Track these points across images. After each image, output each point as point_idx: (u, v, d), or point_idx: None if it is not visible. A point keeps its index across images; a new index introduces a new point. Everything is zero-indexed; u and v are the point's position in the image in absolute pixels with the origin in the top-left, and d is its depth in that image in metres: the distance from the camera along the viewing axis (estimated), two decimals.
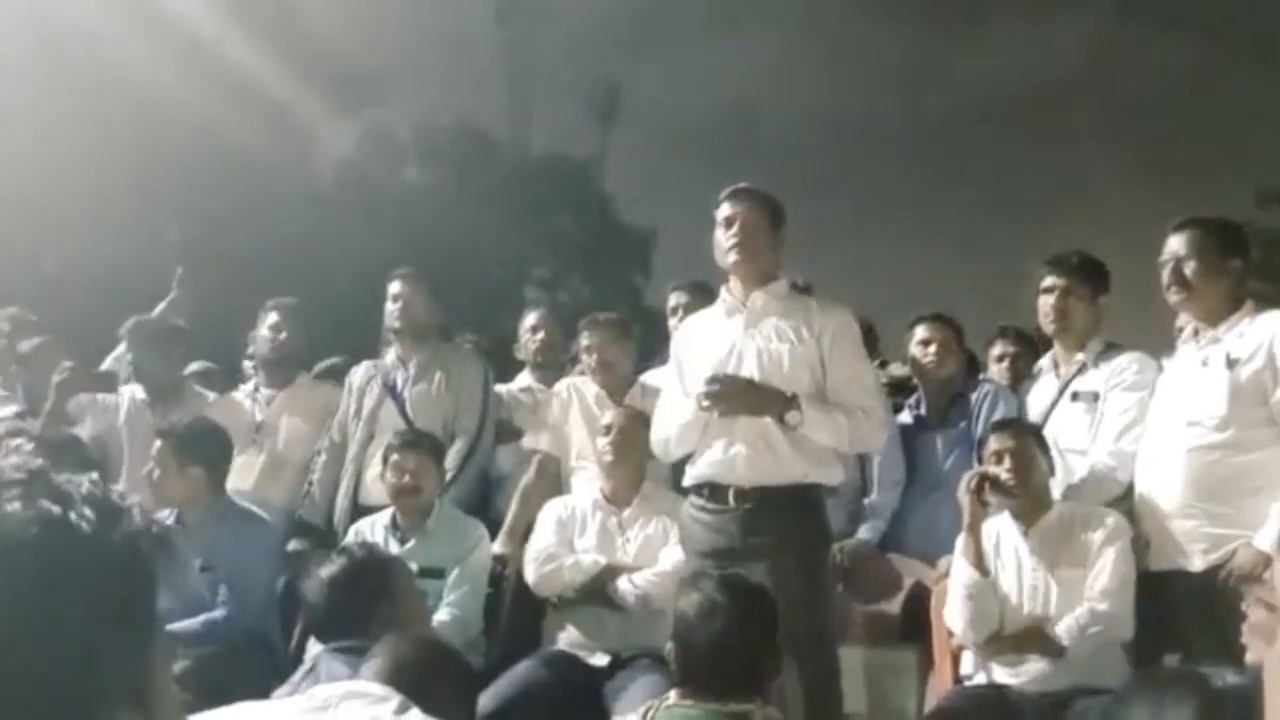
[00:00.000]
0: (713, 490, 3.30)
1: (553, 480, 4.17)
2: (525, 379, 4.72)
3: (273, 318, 4.69)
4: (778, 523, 3.20)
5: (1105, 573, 3.25)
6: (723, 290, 3.48)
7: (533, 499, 4.09)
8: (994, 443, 3.45)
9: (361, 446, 4.32)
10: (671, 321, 4.38)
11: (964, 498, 3.39)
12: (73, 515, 0.75)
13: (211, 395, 4.79)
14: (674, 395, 3.47)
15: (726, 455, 3.27)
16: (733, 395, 3.21)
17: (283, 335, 4.65)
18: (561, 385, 4.33)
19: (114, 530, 0.77)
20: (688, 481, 3.41)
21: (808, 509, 3.28)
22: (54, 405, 4.39)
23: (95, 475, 0.80)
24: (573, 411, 4.21)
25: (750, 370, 3.30)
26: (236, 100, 14.32)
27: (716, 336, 3.41)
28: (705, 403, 3.23)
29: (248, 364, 5.05)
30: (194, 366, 5.13)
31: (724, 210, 3.38)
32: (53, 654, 0.71)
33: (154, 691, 0.78)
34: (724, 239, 3.37)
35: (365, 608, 2.32)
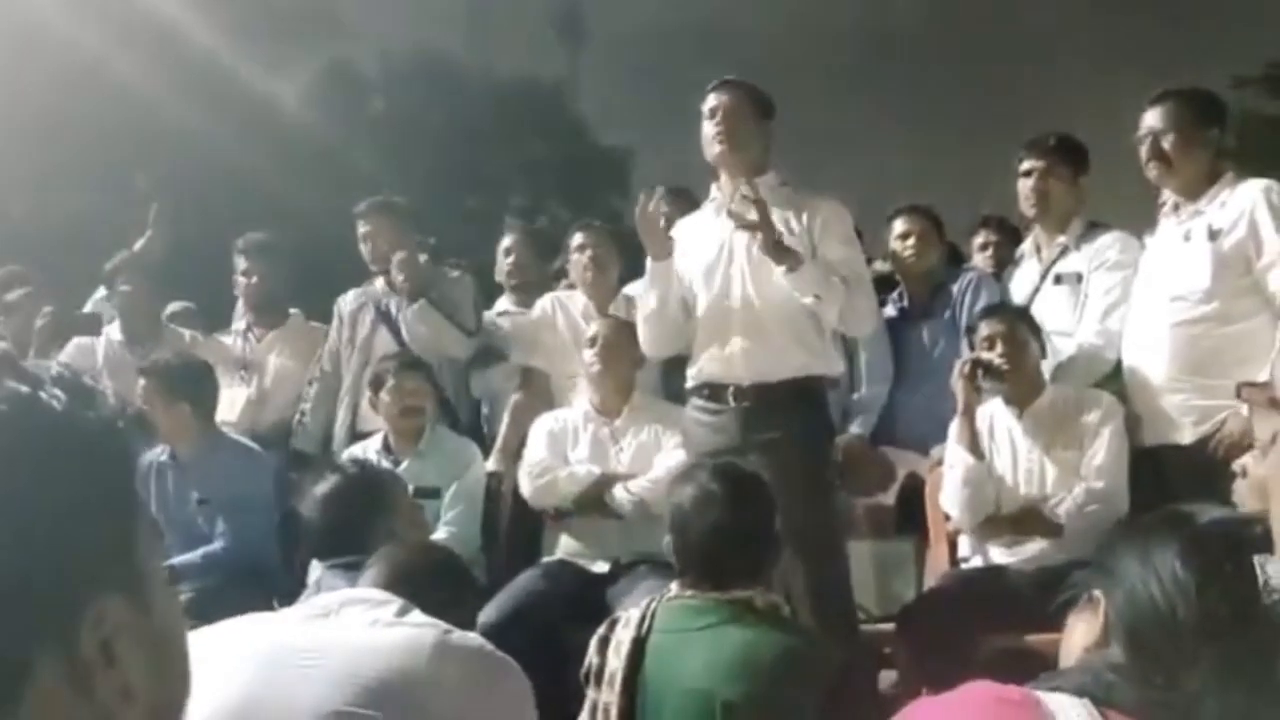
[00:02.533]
0: (712, 390, 3.30)
1: (541, 396, 4.16)
2: (504, 303, 4.71)
3: (241, 262, 4.66)
4: (779, 418, 3.20)
5: (1100, 451, 3.28)
6: (712, 188, 3.44)
7: (522, 415, 4.07)
8: (985, 328, 3.45)
9: (357, 374, 4.29)
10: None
11: (957, 384, 3.40)
12: (43, 394, 0.72)
13: (188, 334, 4.76)
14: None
15: (724, 354, 3.25)
16: (759, 209, 3.14)
17: (254, 280, 4.62)
18: (545, 300, 4.30)
19: (87, 409, 0.74)
20: (688, 384, 3.40)
21: (808, 402, 3.28)
22: (37, 350, 4.37)
23: (64, 359, 0.78)
24: (559, 326, 4.18)
25: (741, 266, 3.28)
26: (191, 39, 14.03)
27: (707, 237, 3.37)
28: (736, 206, 3.18)
29: (240, 306, 5.01)
30: (173, 307, 5.08)
31: (709, 101, 3.34)
32: (30, 534, 0.69)
33: (144, 572, 0.77)
34: (708, 129, 3.32)
35: (362, 522, 2.32)
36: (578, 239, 4.18)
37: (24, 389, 0.71)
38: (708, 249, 3.35)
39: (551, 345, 4.17)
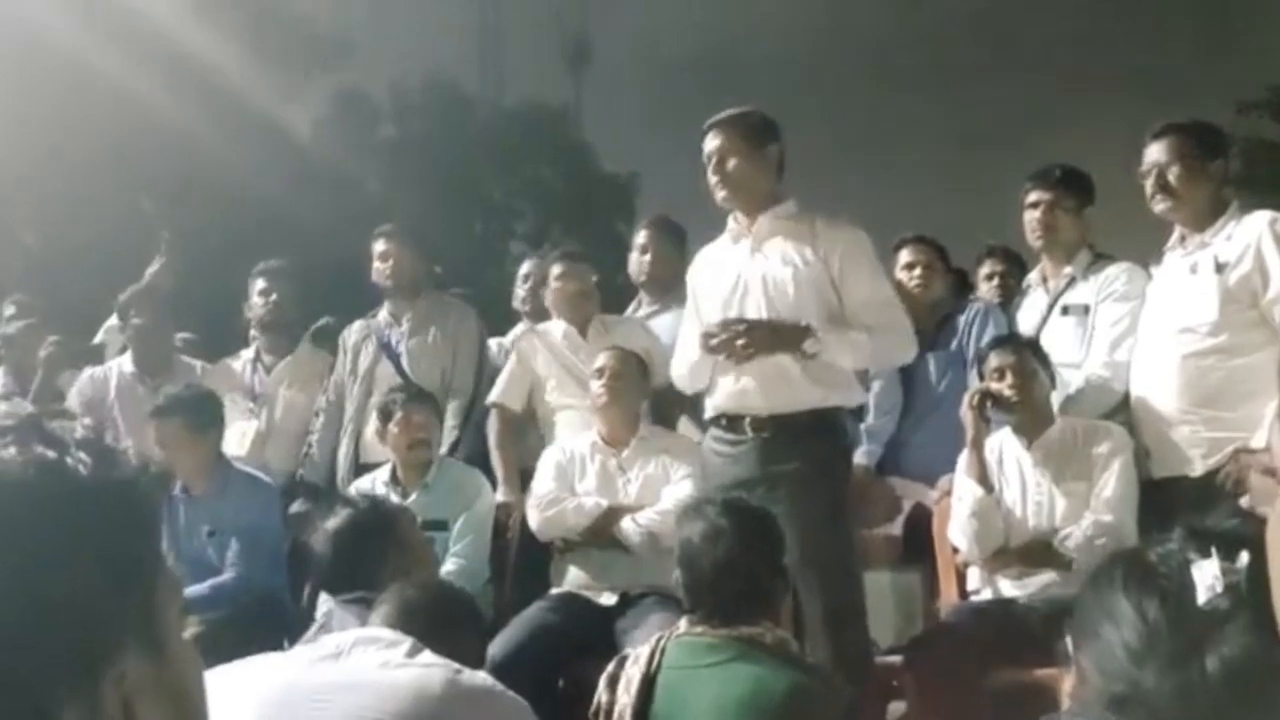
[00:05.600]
0: (730, 421, 3.29)
1: (516, 428, 4.18)
2: (520, 329, 4.73)
3: (260, 283, 4.70)
4: (796, 449, 3.17)
5: (1110, 484, 3.27)
6: (730, 219, 3.44)
7: (508, 448, 4.12)
8: (994, 359, 3.45)
9: (360, 405, 4.31)
10: (638, 257, 4.39)
11: (966, 414, 3.40)
12: (69, 459, 0.74)
13: (199, 365, 4.79)
14: (690, 328, 3.45)
15: (740, 386, 3.25)
16: (747, 340, 3.16)
17: (273, 298, 4.66)
18: (522, 335, 4.33)
19: (111, 472, 0.76)
20: (707, 414, 3.41)
21: (825, 433, 3.25)
22: (43, 380, 4.38)
23: (88, 421, 0.80)
24: (540, 357, 4.19)
25: (757, 299, 3.26)
26: (205, 67, 14.14)
27: (724, 267, 3.38)
28: (720, 355, 3.20)
29: (253, 332, 5.03)
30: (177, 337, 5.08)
31: (704, 146, 3.33)
32: (57, 598, 0.70)
33: (165, 631, 0.78)
34: (709, 176, 3.32)
35: (372, 557, 2.33)
36: (556, 269, 4.22)
37: (51, 454, 0.73)
38: (724, 281, 3.35)
39: (533, 376, 4.18)
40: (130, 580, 0.75)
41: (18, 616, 0.69)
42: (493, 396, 4.20)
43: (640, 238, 4.48)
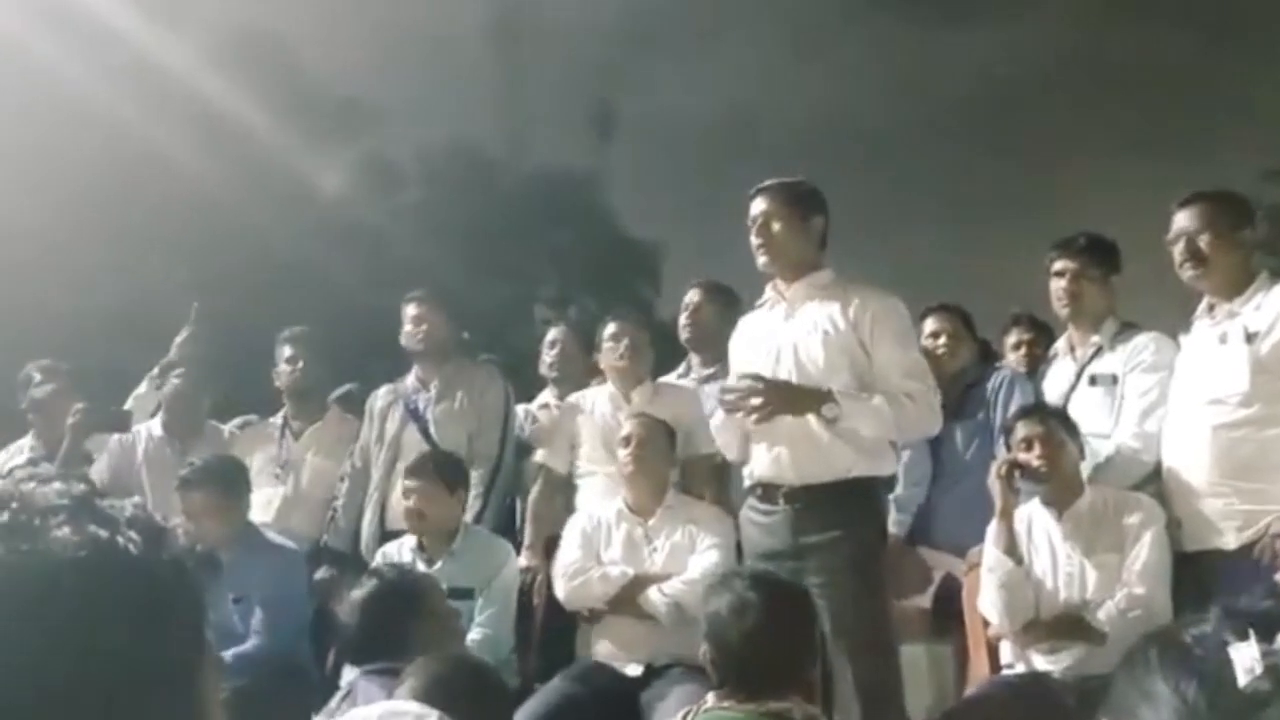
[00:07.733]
0: (765, 491, 3.28)
1: (561, 493, 4.17)
2: (545, 395, 4.73)
3: (287, 350, 4.72)
4: (829, 519, 3.16)
5: (1141, 556, 3.22)
6: (767, 288, 3.46)
7: (544, 514, 4.11)
8: (1022, 429, 3.42)
9: (386, 472, 4.32)
10: (685, 317, 4.39)
11: (994, 485, 3.36)
12: (120, 538, 0.75)
13: (226, 430, 4.81)
14: None
15: (772, 455, 3.25)
16: (763, 400, 3.16)
17: (300, 364, 4.68)
18: (578, 397, 4.32)
19: (161, 551, 0.77)
20: (745, 483, 3.40)
21: (858, 503, 3.23)
22: (69, 447, 4.40)
23: (138, 499, 0.81)
24: (580, 418, 4.21)
25: (788, 366, 3.27)
26: (235, 132, 14.41)
27: (761, 335, 3.39)
28: (735, 412, 3.21)
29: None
30: (235, 422, 5.06)
31: (750, 210, 3.36)
32: (105, 677, 0.71)
33: (207, 710, 0.78)
34: (751, 239, 3.35)
35: (399, 628, 2.33)
36: (612, 328, 4.23)
37: (103, 534, 0.74)
38: (760, 348, 3.36)
39: (575, 440, 4.19)
40: (175, 658, 0.76)
41: (68, 694, 0.70)
42: (541, 459, 4.22)
43: (689, 297, 4.46)
